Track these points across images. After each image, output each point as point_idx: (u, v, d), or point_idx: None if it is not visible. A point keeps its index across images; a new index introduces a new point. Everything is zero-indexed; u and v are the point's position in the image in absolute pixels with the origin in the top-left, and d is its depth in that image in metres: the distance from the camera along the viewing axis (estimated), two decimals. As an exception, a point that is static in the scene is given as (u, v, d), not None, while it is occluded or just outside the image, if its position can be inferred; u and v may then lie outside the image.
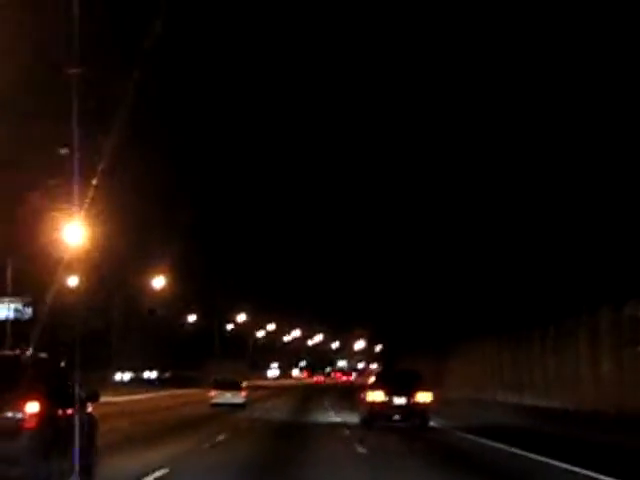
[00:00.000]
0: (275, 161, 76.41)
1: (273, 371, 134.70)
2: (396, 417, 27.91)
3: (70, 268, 32.96)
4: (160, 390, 63.14)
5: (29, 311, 56.73)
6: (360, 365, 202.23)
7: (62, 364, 14.78)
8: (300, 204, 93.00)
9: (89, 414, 15.12)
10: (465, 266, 46.37)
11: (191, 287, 79.22)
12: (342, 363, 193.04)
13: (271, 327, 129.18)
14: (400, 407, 27.63)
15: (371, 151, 61.31)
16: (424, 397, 27.83)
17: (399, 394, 27.68)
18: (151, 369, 79.72)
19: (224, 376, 46.16)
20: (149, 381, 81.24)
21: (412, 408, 27.57)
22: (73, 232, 29.14)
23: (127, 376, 77.03)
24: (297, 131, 71.05)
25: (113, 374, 68.72)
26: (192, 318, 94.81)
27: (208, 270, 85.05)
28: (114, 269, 54.59)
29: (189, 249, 67.27)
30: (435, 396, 28.67)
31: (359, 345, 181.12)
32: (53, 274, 29.72)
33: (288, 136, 71.28)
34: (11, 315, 53.85)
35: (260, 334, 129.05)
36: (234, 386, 43.23)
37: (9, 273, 45.93)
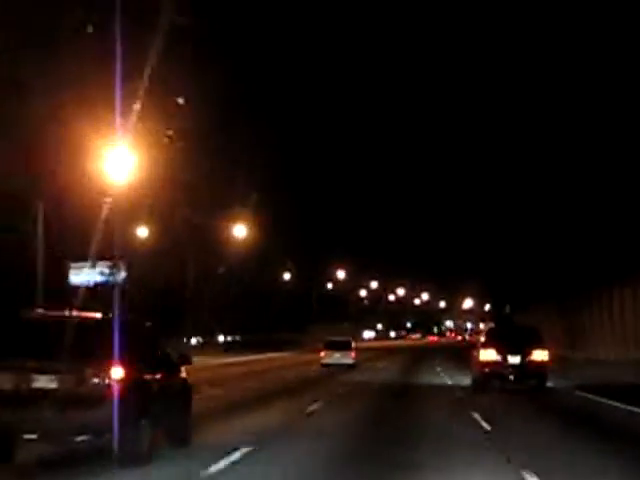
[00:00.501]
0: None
1: (369, 333, 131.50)
2: (511, 377, 26.89)
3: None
4: (251, 354, 60.43)
5: (122, 275, 55.39)
6: (469, 325, 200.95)
7: (149, 325, 14.40)
8: (405, 157, 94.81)
9: (183, 379, 14.78)
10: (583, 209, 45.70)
11: (284, 240, 76.49)
12: (449, 323, 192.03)
13: (374, 285, 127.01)
14: (515, 366, 26.61)
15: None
16: (541, 355, 26.72)
17: (513, 352, 26.63)
18: (225, 333, 74.72)
19: (334, 336, 48.01)
20: (227, 344, 77.09)
21: (528, 367, 26.50)
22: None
23: (198, 340, 72.19)
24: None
25: (189, 337, 64.76)
26: (287, 276, 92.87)
27: (302, 222, 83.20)
28: (183, 213, 51.60)
29: (279, 196, 66.59)
30: (551, 355, 27.52)
31: (467, 304, 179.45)
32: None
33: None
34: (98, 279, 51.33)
35: (362, 293, 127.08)
36: (344, 346, 44.95)
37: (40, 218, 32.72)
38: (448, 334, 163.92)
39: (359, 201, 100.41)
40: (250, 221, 54.66)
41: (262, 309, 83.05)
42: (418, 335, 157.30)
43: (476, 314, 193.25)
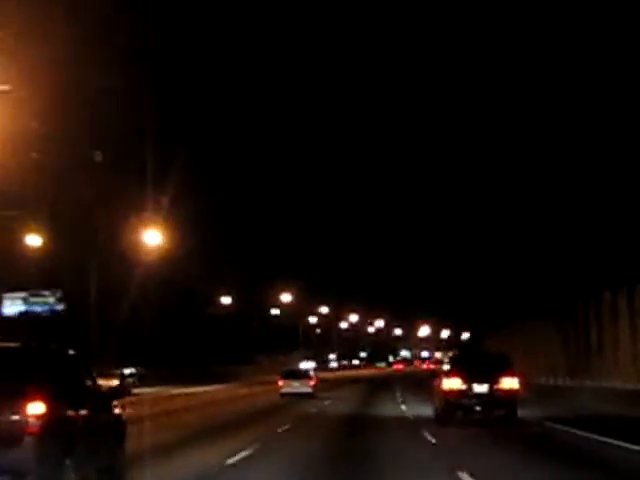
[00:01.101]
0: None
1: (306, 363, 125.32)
2: (477, 408, 26.09)
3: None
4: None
5: (60, 306, 56.78)
6: (424, 354, 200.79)
7: (73, 355, 13.43)
8: (355, 175, 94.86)
9: (115, 415, 14.13)
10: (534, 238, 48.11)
11: (218, 260, 74.47)
12: (405, 352, 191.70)
13: (324, 310, 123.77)
14: (481, 396, 25.81)
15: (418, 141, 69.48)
16: (510, 383, 25.97)
17: (480, 381, 25.84)
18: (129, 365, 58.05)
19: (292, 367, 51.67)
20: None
21: (496, 397, 25.73)
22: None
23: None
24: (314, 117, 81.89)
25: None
26: (226, 300, 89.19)
27: (241, 240, 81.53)
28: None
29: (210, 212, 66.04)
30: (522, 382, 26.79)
31: (423, 332, 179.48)
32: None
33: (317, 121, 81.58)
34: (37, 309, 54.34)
35: (312, 320, 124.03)
36: (303, 375, 47.22)
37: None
38: (417, 363, 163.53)
39: (307, 220, 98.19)
40: (167, 231, 48.13)
41: (193, 337, 78.95)
42: (382, 364, 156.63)
43: (432, 342, 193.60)
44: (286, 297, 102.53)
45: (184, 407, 38.64)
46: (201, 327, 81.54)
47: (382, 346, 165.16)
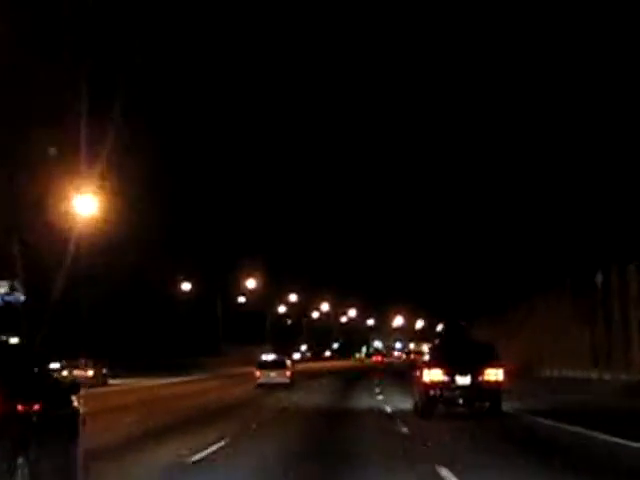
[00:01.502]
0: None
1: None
2: (459, 401, 25.53)
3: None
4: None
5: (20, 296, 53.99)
6: (398, 345, 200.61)
7: (23, 346, 12.81)
8: (328, 160, 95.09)
9: (73, 410, 13.49)
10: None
11: (176, 238, 71.10)
12: (378, 343, 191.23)
13: (293, 298, 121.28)
14: (464, 388, 25.24)
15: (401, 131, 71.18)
16: (494, 374, 25.39)
17: (462, 372, 25.27)
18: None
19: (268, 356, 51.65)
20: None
21: (480, 389, 25.17)
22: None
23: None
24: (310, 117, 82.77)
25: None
26: (187, 286, 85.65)
27: (202, 220, 78.77)
28: None
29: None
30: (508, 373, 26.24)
31: (397, 322, 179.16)
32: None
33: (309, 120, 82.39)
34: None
35: (281, 309, 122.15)
36: (279, 365, 48.16)
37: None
38: (397, 354, 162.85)
39: (276, 201, 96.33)
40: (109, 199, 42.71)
41: (149, 326, 75.41)
42: (362, 355, 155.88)
43: (406, 333, 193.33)
44: (252, 283, 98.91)
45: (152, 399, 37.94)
46: (157, 315, 78.09)
47: (355, 337, 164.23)
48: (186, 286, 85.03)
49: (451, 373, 25.33)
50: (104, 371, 54.09)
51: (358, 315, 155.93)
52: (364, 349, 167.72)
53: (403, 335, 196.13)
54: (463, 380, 25.32)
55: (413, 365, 29.98)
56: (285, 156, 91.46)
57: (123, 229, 50.65)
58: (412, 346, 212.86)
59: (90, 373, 51.53)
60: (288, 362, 50.06)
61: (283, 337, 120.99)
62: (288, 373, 47.24)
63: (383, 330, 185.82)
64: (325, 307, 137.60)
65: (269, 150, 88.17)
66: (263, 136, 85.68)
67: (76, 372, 50.20)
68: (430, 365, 25.90)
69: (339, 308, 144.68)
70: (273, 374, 46.72)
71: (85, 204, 40.11)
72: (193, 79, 67.32)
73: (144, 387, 50.84)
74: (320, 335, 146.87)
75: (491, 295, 54.39)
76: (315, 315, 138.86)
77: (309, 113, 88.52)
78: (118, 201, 44.86)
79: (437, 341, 27.89)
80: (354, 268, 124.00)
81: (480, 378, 25.27)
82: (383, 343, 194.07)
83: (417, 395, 26.89)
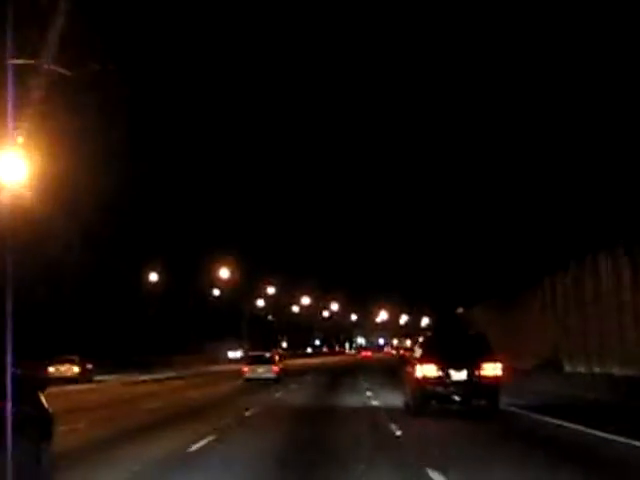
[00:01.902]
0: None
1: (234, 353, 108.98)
2: (455, 398, 24.49)
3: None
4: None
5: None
6: (381, 341, 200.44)
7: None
8: (311, 151, 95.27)
9: (40, 408, 13.26)
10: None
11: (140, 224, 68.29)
12: (361, 340, 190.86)
13: (271, 291, 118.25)
14: (460, 384, 24.21)
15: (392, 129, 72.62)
16: (492, 369, 24.35)
17: (458, 367, 24.24)
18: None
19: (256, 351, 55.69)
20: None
21: (476, 385, 24.14)
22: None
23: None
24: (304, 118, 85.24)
25: None
26: (153, 277, 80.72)
27: (171, 203, 76.62)
28: None
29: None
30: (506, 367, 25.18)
31: (381, 317, 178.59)
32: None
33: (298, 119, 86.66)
34: None
35: (259, 303, 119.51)
36: (266, 361, 50.29)
37: None
38: (386, 349, 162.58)
39: (252, 189, 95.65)
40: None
41: (110, 320, 72.14)
42: (353, 351, 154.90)
43: (389, 328, 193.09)
44: (225, 273, 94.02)
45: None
46: (120, 308, 74.52)
47: (338, 332, 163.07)
48: (153, 277, 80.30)
49: (445, 368, 24.32)
50: (89, 367, 55.29)
51: (341, 310, 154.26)
52: (347, 345, 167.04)
53: (386, 331, 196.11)
54: (458, 375, 24.31)
55: (404, 361, 28.84)
56: (266, 143, 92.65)
57: (62, 208, 46.45)
58: (395, 342, 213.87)
59: (76, 369, 53.22)
60: (276, 357, 52.04)
61: (261, 333, 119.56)
62: (276, 368, 49.23)
63: (366, 326, 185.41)
64: (306, 301, 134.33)
65: (251, 137, 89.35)
66: (247, 123, 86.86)
67: (62, 368, 52.34)
68: (422, 360, 24.87)
69: (321, 302, 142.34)
70: (261, 369, 48.89)
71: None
72: (184, 67, 68.19)
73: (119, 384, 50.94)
74: (301, 331, 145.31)
75: (494, 278, 53.25)
76: (295, 309, 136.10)
77: (298, 106, 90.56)
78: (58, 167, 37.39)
79: (429, 333, 26.75)
80: (336, 259, 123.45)
81: (477, 373, 24.25)
82: (366, 339, 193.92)
83: (409, 392, 25.88)
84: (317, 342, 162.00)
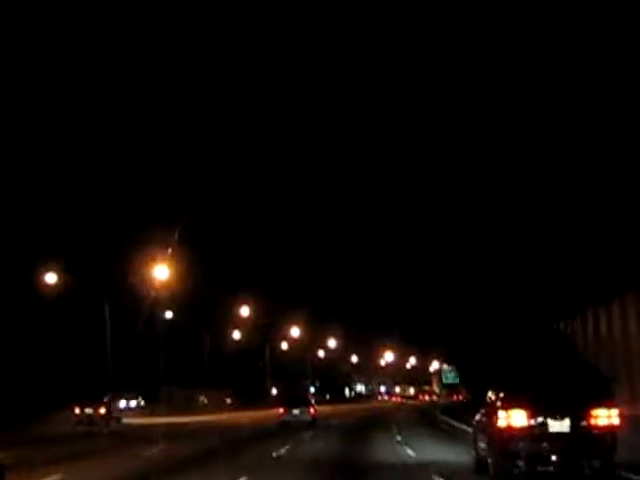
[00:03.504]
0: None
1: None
2: (552, 458, 19.99)
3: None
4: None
5: None
6: (382, 388, 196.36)
7: None
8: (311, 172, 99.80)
9: None
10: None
11: None
12: (361, 387, 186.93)
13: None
14: (561, 438, 19.81)
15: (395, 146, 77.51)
16: (606, 417, 19.93)
17: (558, 413, 19.88)
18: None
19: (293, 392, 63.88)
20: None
21: (584, 440, 19.73)
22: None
23: None
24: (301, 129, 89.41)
25: None
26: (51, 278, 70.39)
27: None
28: None
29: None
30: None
31: (387, 358, 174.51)
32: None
33: (292, 132, 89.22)
34: None
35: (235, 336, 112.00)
36: (302, 402, 55.24)
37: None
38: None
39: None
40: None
41: None
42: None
43: (393, 373, 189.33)
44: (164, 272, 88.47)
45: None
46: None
47: (334, 376, 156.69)
48: (51, 278, 69.02)
49: (541, 415, 19.92)
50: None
51: (339, 348, 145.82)
52: (347, 391, 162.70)
53: (389, 377, 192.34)
54: (559, 426, 19.90)
55: (471, 405, 24.32)
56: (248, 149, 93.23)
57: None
58: (397, 390, 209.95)
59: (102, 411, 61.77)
60: (312, 399, 57.93)
61: (245, 377, 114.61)
62: (312, 410, 54.13)
63: (367, 369, 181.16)
64: (296, 333, 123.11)
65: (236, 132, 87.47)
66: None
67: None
68: (507, 403, 20.42)
69: (315, 338, 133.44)
70: (296, 411, 53.57)
71: None
72: (188, 79, 77.37)
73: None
74: (290, 374, 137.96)
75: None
76: (283, 346, 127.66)
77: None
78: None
79: (516, 364, 22.12)
80: (333, 288, 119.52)
81: (586, 422, 19.84)
82: (366, 386, 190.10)
83: (485, 448, 21.45)
84: (312, 390, 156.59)
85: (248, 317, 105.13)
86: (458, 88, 59.87)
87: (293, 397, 57.70)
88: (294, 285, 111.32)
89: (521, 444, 19.96)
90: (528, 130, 51.19)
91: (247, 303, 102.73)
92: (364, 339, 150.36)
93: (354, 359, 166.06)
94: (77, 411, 62.01)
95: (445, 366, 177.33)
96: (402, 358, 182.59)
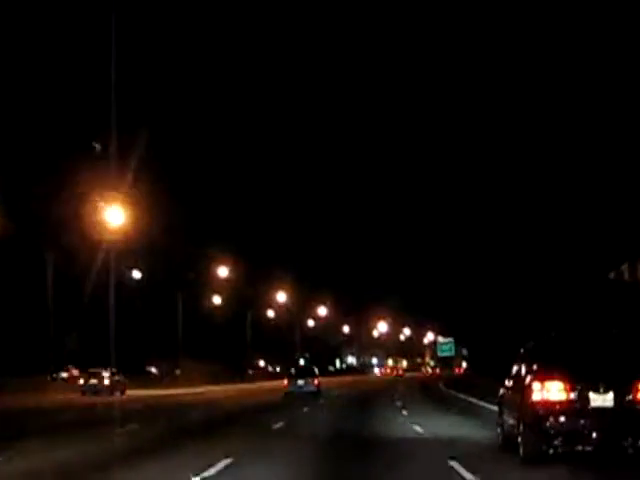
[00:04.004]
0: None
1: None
2: (593, 435, 18.58)
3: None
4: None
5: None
6: (374, 360, 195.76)
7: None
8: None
9: None
10: None
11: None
12: (351, 359, 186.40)
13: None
14: (603, 414, 18.43)
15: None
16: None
17: (601, 386, 18.48)
18: None
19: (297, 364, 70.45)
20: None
21: (630, 416, 18.36)
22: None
23: None
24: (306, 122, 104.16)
25: None
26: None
27: None
28: None
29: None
30: None
31: (381, 329, 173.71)
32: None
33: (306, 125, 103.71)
34: None
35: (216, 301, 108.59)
36: (307, 374, 60.20)
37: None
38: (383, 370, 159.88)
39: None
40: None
41: None
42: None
43: (386, 347, 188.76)
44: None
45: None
46: None
47: (323, 348, 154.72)
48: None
49: (581, 388, 18.52)
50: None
51: (329, 317, 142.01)
52: (337, 363, 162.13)
53: (382, 349, 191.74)
54: (602, 400, 18.50)
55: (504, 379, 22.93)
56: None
57: None
58: (390, 363, 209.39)
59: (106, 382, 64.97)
60: (316, 370, 62.11)
61: (227, 347, 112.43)
62: (316, 381, 58.63)
63: (359, 341, 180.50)
64: (282, 298, 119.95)
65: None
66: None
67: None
68: (542, 374, 19.01)
69: (305, 307, 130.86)
70: (301, 382, 58.05)
71: None
72: (194, 83, 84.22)
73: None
74: (277, 344, 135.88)
75: None
76: (270, 314, 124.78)
77: (298, 116, 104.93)
78: None
79: (553, 333, 20.73)
80: (324, 251, 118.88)
81: (631, 397, 18.47)
82: (358, 359, 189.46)
83: (514, 424, 20.05)
84: (302, 362, 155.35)
85: (227, 279, 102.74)
86: (464, 79, 64.55)
87: (297, 368, 63.63)
88: (279, 246, 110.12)
89: (559, 420, 18.58)
90: (552, 109, 53.04)
91: (225, 263, 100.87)
92: (357, 308, 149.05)
93: (346, 329, 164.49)
94: None
95: (440, 338, 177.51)
96: (396, 328, 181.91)
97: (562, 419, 18.55)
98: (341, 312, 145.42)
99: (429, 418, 33.54)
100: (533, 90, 52.29)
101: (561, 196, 57.91)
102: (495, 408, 23.78)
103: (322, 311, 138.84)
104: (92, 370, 65.95)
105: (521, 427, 19.41)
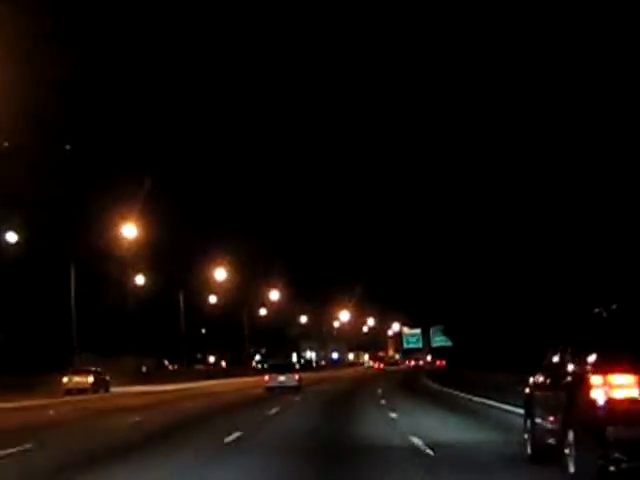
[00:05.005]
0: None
1: None
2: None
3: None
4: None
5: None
6: (335, 355, 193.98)
7: None
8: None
9: None
10: None
11: None
12: (310, 354, 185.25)
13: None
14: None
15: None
16: None
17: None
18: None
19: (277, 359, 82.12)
20: None
21: None
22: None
23: None
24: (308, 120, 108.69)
25: None
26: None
27: None
28: None
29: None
30: None
31: (343, 318, 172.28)
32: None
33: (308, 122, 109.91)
34: None
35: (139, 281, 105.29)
36: (287, 369, 65.75)
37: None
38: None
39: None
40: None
41: None
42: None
43: (347, 338, 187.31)
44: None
45: None
46: None
47: (277, 341, 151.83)
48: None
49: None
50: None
51: (285, 302, 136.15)
52: (294, 359, 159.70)
53: (343, 342, 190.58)
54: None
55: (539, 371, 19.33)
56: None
57: None
58: (351, 357, 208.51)
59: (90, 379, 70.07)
60: (297, 365, 71.70)
61: (172, 341, 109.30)
62: (297, 376, 63.18)
63: (318, 333, 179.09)
64: (221, 275, 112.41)
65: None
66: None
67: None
68: (605, 364, 15.26)
69: (255, 292, 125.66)
70: (282, 377, 62.21)
71: None
72: (194, 83, 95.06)
73: None
74: (224, 336, 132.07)
75: None
76: (212, 300, 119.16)
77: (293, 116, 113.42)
78: None
79: (606, 313, 17.02)
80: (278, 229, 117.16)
81: None
82: (317, 353, 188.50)
83: (557, 430, 16.45)
84: (257, 357, 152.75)
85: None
86: (463, 78, 65.78)
87: (277, 364, 70.38)
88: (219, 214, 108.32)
89: (628, 426, 14.89)
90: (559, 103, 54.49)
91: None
92: (315, 295, 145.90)
93: (303, 320, 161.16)
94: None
95: (406, 329, 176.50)
96: (359, 319, 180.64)
97: (632, 425, 14.87)
98: (298, 299, 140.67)
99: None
100: (534, 92, 55.14)
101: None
102: (501, 406, 20.51)
103: (274, 295, 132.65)
104: None
105: (570, 435, 15.71)
